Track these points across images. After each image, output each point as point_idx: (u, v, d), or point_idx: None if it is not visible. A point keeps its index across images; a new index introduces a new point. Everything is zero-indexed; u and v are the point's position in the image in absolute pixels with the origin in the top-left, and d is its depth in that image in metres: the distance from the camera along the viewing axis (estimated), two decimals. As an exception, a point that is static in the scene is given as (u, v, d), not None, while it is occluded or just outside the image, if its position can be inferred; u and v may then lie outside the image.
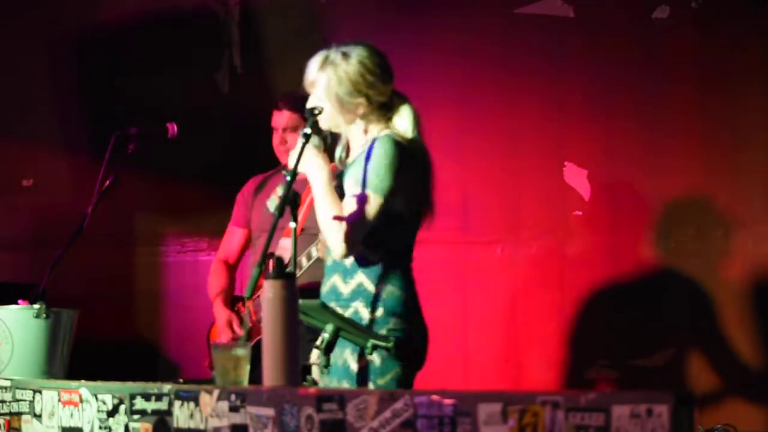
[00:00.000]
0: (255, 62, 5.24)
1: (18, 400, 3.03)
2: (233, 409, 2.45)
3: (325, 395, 2.28)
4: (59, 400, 2.90)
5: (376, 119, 3.00)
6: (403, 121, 3.01)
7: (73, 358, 3.47)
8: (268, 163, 4.24)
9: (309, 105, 3.00)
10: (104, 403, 2.77)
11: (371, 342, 2.83)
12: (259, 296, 3.79)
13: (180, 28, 5.28)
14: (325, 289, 2.99)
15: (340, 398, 2.25)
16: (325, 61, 2.98)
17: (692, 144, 4.61)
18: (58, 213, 5.14)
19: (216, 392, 2.49)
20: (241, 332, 3.96)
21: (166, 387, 2.62)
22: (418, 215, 3.01)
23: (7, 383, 3.09)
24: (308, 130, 3.00)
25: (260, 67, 5.22)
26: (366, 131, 3.01)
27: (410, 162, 2.94)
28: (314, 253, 3.74)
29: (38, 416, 2.96)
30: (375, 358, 2.86)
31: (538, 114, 4.67)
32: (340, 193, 2.94)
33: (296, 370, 2.49)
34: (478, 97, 4.86)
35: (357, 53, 2.98)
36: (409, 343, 2.90)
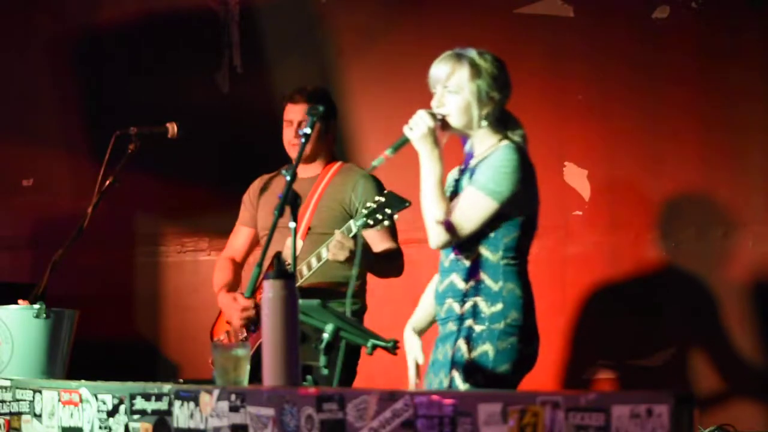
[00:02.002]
0: (255, 62, 5.24)
1: (18, 400, 3.03)
2: (233, 409, 2.45)
3: (325, 395, 2.28)
4: (59, 400, 2.90)
5: (495, 127, 3.09)
6: (517, 135, 3.11)
7: (73, 358, 3.47)
8: (268, 162, 4.24)
9: (440, 104, 3.06)
10: (104, 403, 2.77)
11: (371, 342, 2.84)
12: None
13: (180, 28, 5.28)
14: (441, 287, 3.10)
15: (340, 398, 2.25)
16: (460, 57, 3.07)
17: (692, 144, 4.60)
18: (58, 213, 5.15)
19: (216, 392, 2.49)
20: (245, 302, 3.90)
21: (166, 387, 2.62)
22: (533, 219, 3.10)
23: (7, 383, 3.09)
24: (308, 130, 3.01)
25: (260, 67, 5.23)
26: (484, 139, 3.09)
27: (530, 170, 3.05)
28: (324, 255, 3.73)
29: (38, 416, 2.96)
30: (489, 350, 2.94)
31: (538, 114, 4.67)
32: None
33: (296, 370, 2.49)
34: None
35: (490, 54, 3.10)
36: (526, 340, 2.99)
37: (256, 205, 4.16)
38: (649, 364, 4.54)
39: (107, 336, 4.94)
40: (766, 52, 4.55)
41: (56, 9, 5.38)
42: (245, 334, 3.93)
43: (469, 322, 2.99)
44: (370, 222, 3.60)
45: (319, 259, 3.78)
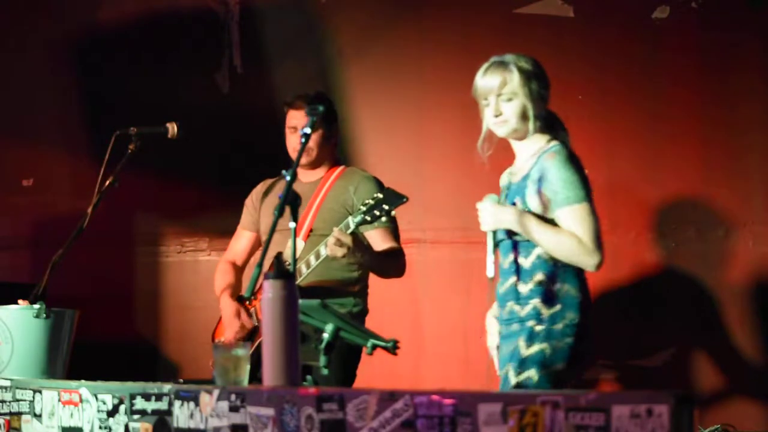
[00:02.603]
0: (255, 62, 5.24)
1: (18, 400, 3.03)
2: (233, 409, 2.45)
3: (325, 395, 2.28)
4: (59, 400, 2.90)
5: (543, 127, 3.15)
6: (562, 133, 3.20)
7: (73, 358, 3.47)
8: (268, 162, 4.24)
9: (497, 112, 3.10)
10: (104, 403, 2.77)
11: (371, 342, 2.83)
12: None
13: (180, 28, 5.28)
14: (502, 289, 3.15)
15: (340, 398, 2.25)
16: (506, 64, 3.13)
17: (692, 144, 4.61)
18: (58, 213, 5.14)
19: (216, 392, 2.49)
20: (249, 323, 3.95)
21: (166, 387, 2.62)
22: None
23: (7, 383, 3.09)
24: (308, 130, 3.00)
25: (260, 67, 5.23)
26: (534, 140, 3.15)
27: (579, 162, 3.11)
28: (323, 252, 3.73)
29: (38, 416, 2.96)
30: (546, 348, 3.00)
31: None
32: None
33: (296, 370, 2.49)
34: (478, 97, 4.86)
35: (524, 56, 3.16)
36: (581, 339, 3.05)
37: (259, 208, 4.16)
38: (649, 365, 4.54)
39: (107, 336, 4.94)
40: (766, 52, 4.55)
41: (56, 9, 5.38)
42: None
43: (530, 323, 3.05)
44: (368, 218, 3.61)
45: (317, 256, 3.78)
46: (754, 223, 4.52)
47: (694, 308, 4.54)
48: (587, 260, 3.03)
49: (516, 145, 3.19)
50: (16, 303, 3.43)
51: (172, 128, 3.86)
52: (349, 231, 3.65)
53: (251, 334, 3.96)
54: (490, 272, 3.10)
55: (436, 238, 4.87)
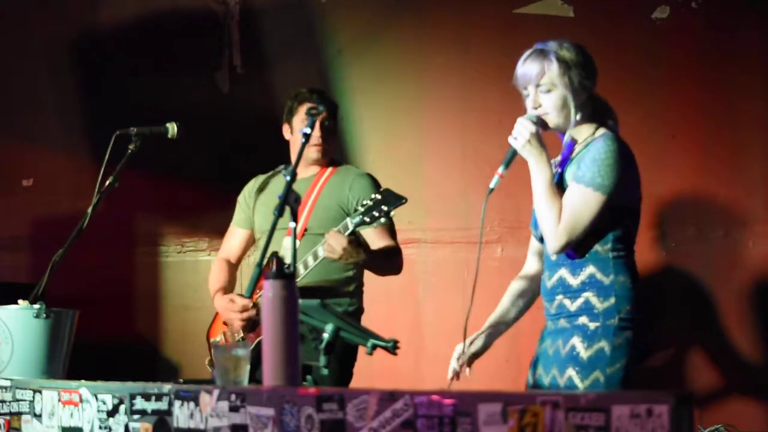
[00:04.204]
0: (255, 62, 5.24)
1: (18, 400, 3.03)
2: (233, 409, 2.45)
3: (325, 395, 2.28)
4: (59, 400, 2.90)
5: (590, 116, 3.06)
6: (611, 121, 3.10)
7: (73, 358, 3.47)
8: (268, 162, 4.24)
9: (536, 104, 3.02)
10: (104, 403, 2.77)
11: (371, 342, 2.83)
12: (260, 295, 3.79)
13: (180, 28, 5.28)
14: (550, 283, 3.06)
15: (340, 398, 2.25)
16: (545, 53, 3.03)
17: (692, 144, 4.61)
18: (58, 213, 5.14)
19: (216, 392, 2.49)
20: (243, 301, 3.88)
21: (166, 387, 2.62)
22: (638, 207, 3.07)
23: (7, 383, 3.09)
24: (308, 130, 3.00)
25: (260, 67, 5.23)
26: (581, 130, 3.06)
27: (631, 158, 3.01)
28: (321, 253, 3.73)
29: (38, 416, 2.96)
30: (605, 346, 2.92)
31: (538, 114, 4.67)
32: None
33: (296, 370, 2.49)
34: (478, 97, 4.86)
35: (569, 42, 3.07)
36: (640, 333, 2.96)
37: (252, 206, 4.15)
38: (649, 364, 4.54)
39: (107, 336, 4.94)
40: (766, 52, 4.55)
41: (56, 9, 5.38)
42: (242, 335, 3.92)
43: (582, 319, 2.96)
44: (367, 219, 3.60)
45: (315, 257, 3.77)
46: (754, 223, 4.52)
47: (694, 308, 4.54)
48: (550, 240, 2.96)
49: (565, 137, 3.10)
50: (16, 303, 3.43)
51: (172, 128, 3.86)
52: (348, 232, 3.64)
53: (254, 325, 3.90)
54: (493, 182, 3.02)
55: (436, 238, 4.87)
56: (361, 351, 3.45)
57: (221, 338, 4.02)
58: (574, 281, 3.00)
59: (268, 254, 2.99)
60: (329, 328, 2.79)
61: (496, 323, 3.26)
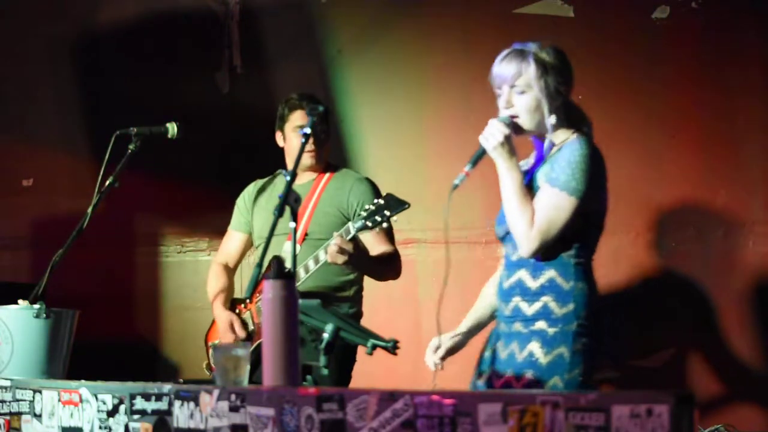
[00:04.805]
0: (255, 62, 5.24)
1: (18, 400, 3.03)
2: (233, 409, 2.45)
3: (325, 395, 2.28)
4: (59, 400, 2.90)
5: (565, 121, 3.02)
6: (585, 126, 3.06)
7: (73, 358, 3.47)
8: (268, 162, 4.24)
9: (508, 105, 2.98)
10: (104, 403, 2.77)
11: (371, 342, 2.83)
12: (261, 300, 3.79)
13: (180, 28, 5.28)
14: (507, 283, 3.01)
15: (340, 398, 2.25)
16: (524, 54, 2.99)
17: (692, 144, 4.61)
18: (58, 213, 5.14)
19: (216, 392, 2.49)
20: (242, 334, 3.95)
21: (166, 387, 2.62)
22: (603, 215, 3.04)
23: (7, 383, 3.09)
24: (308, 130, 3.00)
25: (260, 67, 5.23)
26: (557, 135, 3.02)
27: (602, 164, 2.98)
28: (322, 257, 3.73)
29: (38, 416, 2.96)
30: (565, 352, 2.88)
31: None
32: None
33: (296, 370, 2.49)
34: (478, 98, 4.85)
35: (551, 47, 3.02)
36: (596, 339, 2.94)
37: (251, 210, 4.15)
38: (649, 365, 4.54)
39: (107, 336, 4.94)
40: (766, 52, 4.55)
41: (56, 9, 5.38)
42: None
43: (540, 323, 2.92)
44: (369, 224, 3.60)
45: (316, 261, 3.77)
46: (754, 224, 4.52)
47: (693, 308, 4.54)
48: (523, 243, 2.91)
49: (536, 142, 3.07)
50: (16, 303, 3.43)
51: (172, 128, 3.86)
52: (350, 237, 3.64)
53: (248, 339, 3.95)
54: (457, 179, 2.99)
55: (436, 238, 4.86)
56: (361, 351, 3.45)
57: (220, 339, 4.02)
58: (533, 284, 2.96)
59: (267, 257, 2.99)
60: (329, 328, 2.79)
61: (474, 327, 3.23)
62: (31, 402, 2.99)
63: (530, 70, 2.96)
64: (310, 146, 3.95)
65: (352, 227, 3.63)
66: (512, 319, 2.99)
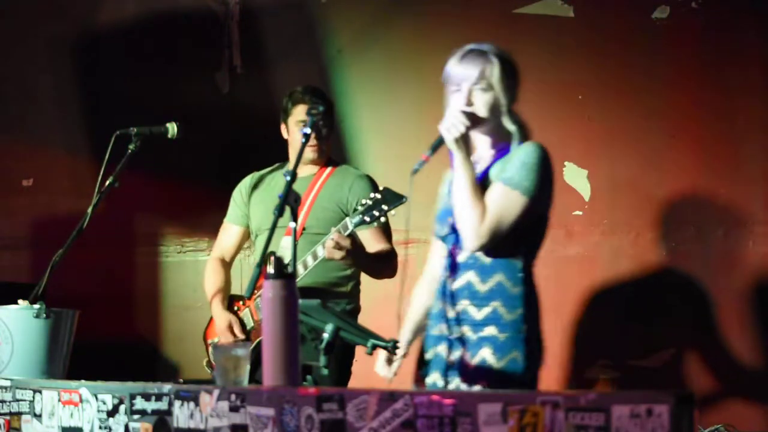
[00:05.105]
0: (255, 62, 5.24)
1: (18, 400, 3.03)
2: (233, 409, 2.45)
3: (325, 395, 2.28)
4: (59, 400, 2.90)
5: (516, 123, 3.02)
6: (527, 131, 3.06)
7: (73, 358, 3.47)
8: (268, 162, 4.24)
9: (469, 102, 2.98)
10: (104, 403, 2.77)
11: (371, 342, 2.83)
12: (260, 296, 3.79)
13: (180, 28, 5.28)
14: (455, 285, 2.97)
15: (340, 398, 2.25)
16: (486, 54, 3.01)
17: (692, 144, 4.61)
18: (58, 213, 5.14)
19: (216, 392, 2.49)
20: (241, 335, 3.95)
21: (166, 387, 2.62)
22: (547, 218, 3.04)
23: (7, 383, 3.09)
24: (308, 130, 3.00)
25: (260, 67, 5.23)
26: (500, 135, 3.03)
27: (551, 168, 3.00)
28: (320, 253, 3.72)
29: (38, 416, 2.96)
30: (517, 356, 2.87)
31: (538, 114, 4.67)
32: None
33: (296, 370, 2.49)
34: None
35: (505, 50, 3.05)
36: (541, 342, 2.94)
37: (248, 202, 4.14)
38: (649, 365, 4.54)
39: (107, 336, 4.93)
40: (766, 52, 4.55)
41: (56, 9, 5.38)
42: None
43: (490, 329, 2.90)
44: (367, 219, 3.58)
45: (315, 257, 3.76)
46: (754, 223, 4.52)
47: (694, 308, 4.54)
48: (470, 238, 2.89)
49: (481, 138, 3.05)
50: (16, 303, 3.43)
51: (172, 128, 3.86)
52: (347, 233, 3.62)
53: (247, 338, 3.95)
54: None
55: (436, 238, 4.86)
56: (361, 351, 3.45)
57: (219, 340, 4.02)
58: (483, 287, 2.93)
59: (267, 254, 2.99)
60: (329, 328, 2.79)
61: (416, 332, 3.20)
62: (31, 402, 2.99)
63: (495, 70, 2.98)
64: (312, 140, 3.94)
65: (349, 223, 3.62)
66: (459, 322, 2.96)
